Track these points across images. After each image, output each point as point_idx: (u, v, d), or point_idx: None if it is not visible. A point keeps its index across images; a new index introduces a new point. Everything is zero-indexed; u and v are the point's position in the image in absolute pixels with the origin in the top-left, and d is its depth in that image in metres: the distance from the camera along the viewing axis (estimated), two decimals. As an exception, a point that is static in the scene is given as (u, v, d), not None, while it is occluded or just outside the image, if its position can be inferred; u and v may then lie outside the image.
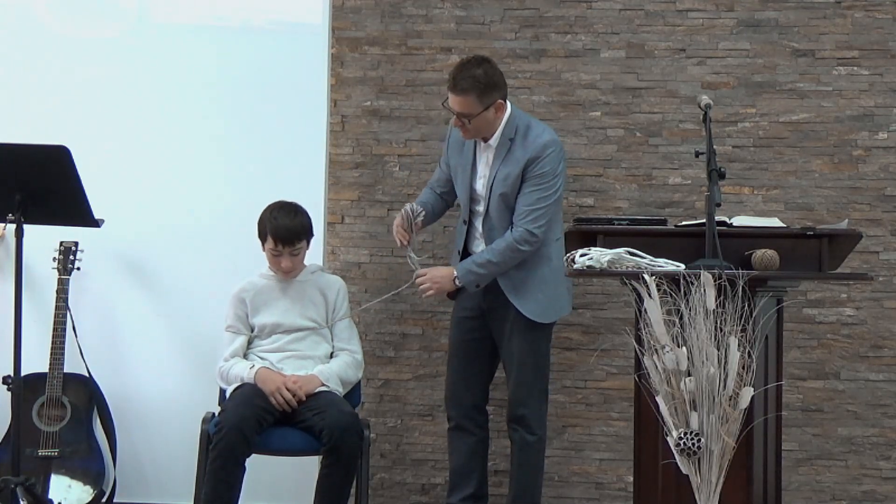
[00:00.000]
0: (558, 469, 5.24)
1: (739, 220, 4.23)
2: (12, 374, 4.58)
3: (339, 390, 4.75)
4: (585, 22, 5.27)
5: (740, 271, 3.84)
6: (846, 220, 4.60)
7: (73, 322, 5.05)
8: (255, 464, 4.59)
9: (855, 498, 5.15)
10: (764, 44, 5.21)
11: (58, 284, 5.06)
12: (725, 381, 3.83)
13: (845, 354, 5.16)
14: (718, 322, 3.81)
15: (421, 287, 4.73)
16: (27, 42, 5.31)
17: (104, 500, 5.01)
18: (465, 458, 4.83)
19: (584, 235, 4.22)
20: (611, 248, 4.02)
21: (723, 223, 4.11)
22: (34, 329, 5.06)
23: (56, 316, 5.03)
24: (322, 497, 4.64)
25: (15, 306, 4.57)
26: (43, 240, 4.94)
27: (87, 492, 4.98)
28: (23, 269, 4.62)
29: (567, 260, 4.06)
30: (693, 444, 3.82)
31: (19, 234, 4.57)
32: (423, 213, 4.75)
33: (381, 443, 5.32)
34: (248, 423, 4.52)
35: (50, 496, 4.91)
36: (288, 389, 4.63)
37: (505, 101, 4.66)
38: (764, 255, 3.99)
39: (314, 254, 5.00)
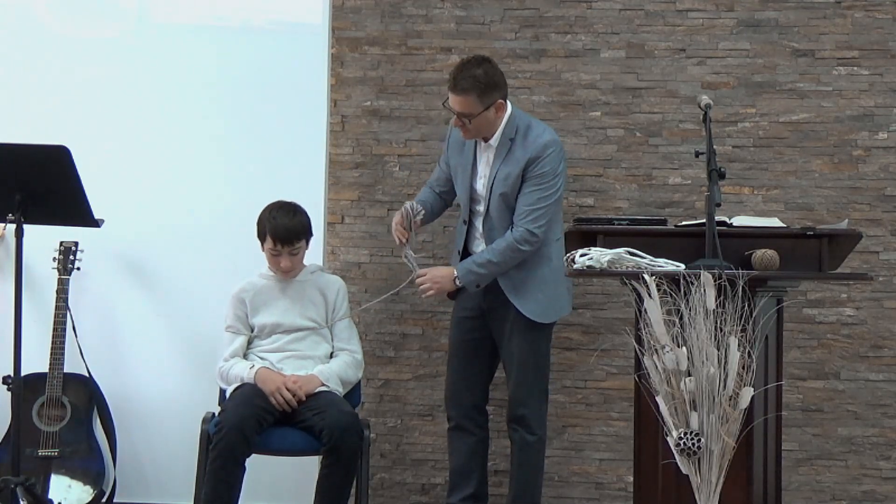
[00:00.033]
0: (558, 469, 5.24)
1: (739, 220, 4.23)
2: (12, 374, 4.58)
3: (339, 390, 4.75)
4: (585, 22, 5.27)
5: (740, 271, 3.84)
6: (846, 220, 4.60)
7: (73, 322, 5.05)
8: (255, 464, 4.59)
9: (855, 498, 5.15)
10: (764, 44, 5.21)
11: (58, 284, 5.06)
12: (725, 381, 3.83)
13: (845, 354, 5.16)
14: (718, 322, 3.81)
15: (421, 287, 4.73)
16: (27, 42, 5.31)
17: (104, 500, 5.01)
18: (465, 458, 4.83)
19: (584, 235, 4.22)
20: (611, 248, 4.02)
21: (723, 223, 4.11)
22: (34, 329, 5.06)
23: (56, 316, 5.03)
24: (322, 497, 4.64)
25: (15, 306, 4.58)
26: (43, 240, 4.94)
27: (87, 492, 4.98)
28: (23, 269, 4.62)
29: (567, 260, 4.06)
30: (693, 444, 3.82)
31: (19, 234, 4.57)
32: (423, 211, 4.75)
33: (381, 443, 5.32)
34: (248, 423, 4.52)
35: (50, 496, 4.91)
36: (288, 389, 4.63)
37: (505, 101, 4.66)
38: (764, 255, 3.99)
39: (314, 254, 5.00)
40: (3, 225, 5.09)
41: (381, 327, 5.34)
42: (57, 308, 5.03)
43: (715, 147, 4.11)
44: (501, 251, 4.63)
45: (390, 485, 5.34)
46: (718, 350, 3.82)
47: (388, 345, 5.34)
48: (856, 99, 5.17)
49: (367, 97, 5.35)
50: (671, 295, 3.84)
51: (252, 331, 4.85)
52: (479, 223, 4.75)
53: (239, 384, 4.71)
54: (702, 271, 3.83)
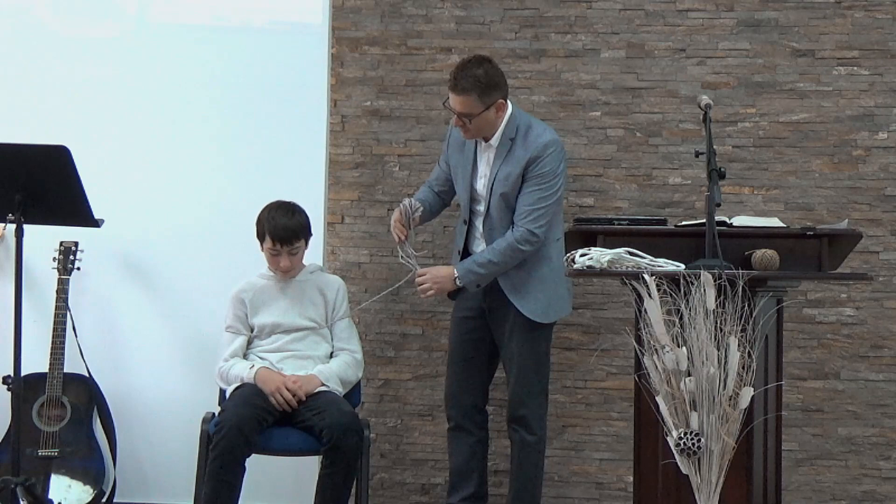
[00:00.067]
0: (558, 469, 5.24)
1: (739, 220, 4.23)
2: (12, 374, 4.58)
3: (339, 390, 4.75)
4: (585, 22, 5.27)
5: (740, 271, 3.84)
6: (846, 220, 4.60)
7: (73, 322, 5.05)
8: (255, 464, 4.59)
9: (855, 498, 5.15)
10: (764, 44, 5.21)
11: (58, 284, 5.06)
12: (725, 381, 3.83)
13: (845, 354, 5.16)
14: (718, 322, 3.81)
15: (421, 287, 4.73)
16: (27, 42, 5.31)
17: (104, 500, 5.01)
18: (465, 458, 4.83)
19: (584, 235, 4.22)
20: (611, 248, 4.02)
21: (723, 223, 4.11)
22: (34, 329, 5.06)
23: (56, 316, 5.03)
24: (322, 497, 4.64)
25: (15, 306, 4.58)
26: (43, 240, 4.94)
27: (87, 492, 4.98)
28: (23, 269, 4.62)
29: (567, 260, 4.06)
30: (693, 444, 3.82)
31: (19, 234, 4.57)
32: (421, 208, 4.75)
33: (381, 443, 5.32)
34: (248, 423, 4.52)
35: (50, 496, 4.91)
36: (288, 389, 4.63)
37: (506, 101, 4.66)
38: (764, 255, 3.99)
39: (314, 254, 5.01)
40: (3, 225, 5.09)
41: (381, 327, 5.34)
42: (57, 308, 5.03)
43: (715, 147, 4.11)
44: (502, 251, 4.62)
45: (390, 485, 5.34)
46: (718, 350, 3.82)
47: (388, 345, 5.34)
48: (856, 99, 5.17)
49: (367, 97, 5.35)
50: (671, 295, 3.84)
51: (252, 331, 4.85)
52: (479, 223, 4.75)
53: (239, 384, 4.71)
54: (702, 271, 3.83)
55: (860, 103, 5.17)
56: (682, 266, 3.96)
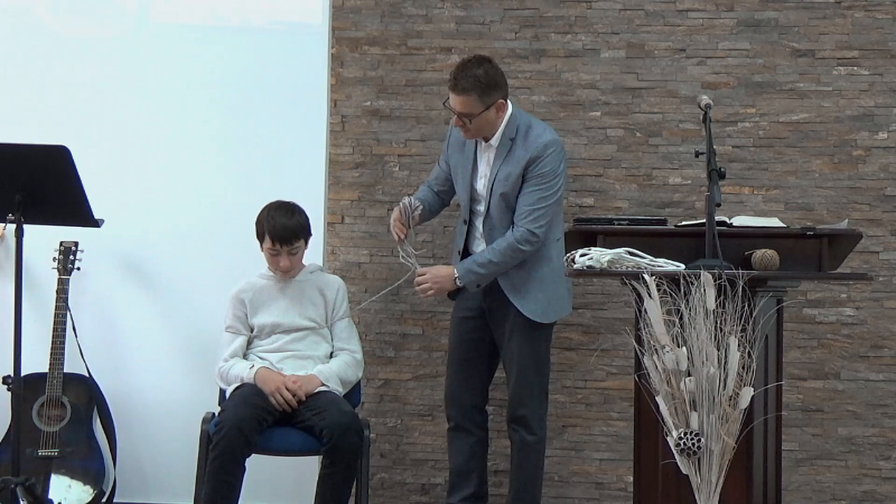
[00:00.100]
0: (558, 469, 5.24)
1: (739, 220, 4.23)
2: (12, 374, 4.58)
3: (339, 390, 4.75)
4: (585, 22, 5.27)
5: (740, 271, 3.84)
6: (846, 220, 4.60)
7: (73, 322, 5.05)
8: (255, 464, 4.59)
9: (855, 498, 5.15)
10: (764, 44, 5.21)
11: (58, 284, 5.06)
12: (725, 381, 3.83)
13: (845, 354, 5.16)
14: (718, 322, 3.81)
15: (421, 287, 4.73)
16: (27, 42, 5.31)
17: (104, 500, 5.01)
18: (465, 458, 4.83)
19: (584, 235, 4.22)
20: (611, 248, 4.02)
21: (723, 223, 4.11)
22: (34, 329, 5.06)
23: (56, 316, 5.03)
24: (322, 497, 4.64)
25: (15, 306, 4.58)
26: (43, 240, 4.94)
27: (87, 492, 4.98)
28: (23, 269, 4.62)
29: (567, 260, 4.06)
30: (693, 444, 3.82)
31: (19, 234, 4.57)
32: (421, 207, 4.75)
33: (381, 443, 5.32)
34: (248, 423, 4.52)
35: (50, 496, 4.91)
36: (288, 389, 4.63)
37: (506, 101, 4.66)
38: (764, 255, 3.99)
39: (314, 254, 5.01)
40: (3, 225, 5.09)
41: (381, 327, 5.34)
42: (57, 308, 5.03)
43: (715, 147, 4.11)
44: (502, 251, 4.62)
45: (390, 485, 5.34)
46: (718, 350, 3.82)
47: (388, 345, 5.34)
48: (856, 99, 5.17)
49: (367, 97, 5.35)
50: (671, 295, 3.84)
51: (252, 331, 4.85)
52: (479, 223, 4.75)
53: (239, 384, 4.71)
54: (702, 271, 3.83)
55: (860, 103, 5.17)
56: (682, 266, 3.96)
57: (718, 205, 3.98)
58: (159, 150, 5.26)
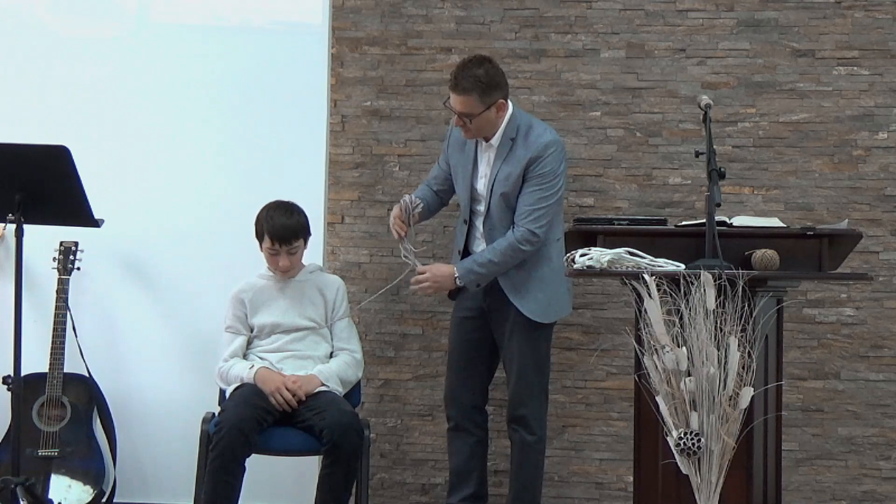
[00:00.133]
0: (558, 469, 5.24)
1: (739, 220, 4.23)
2: (12, 374, 4.58)
3: (339, 390, 4.75)
4: (585, 22, 5.27)
5: (740, 271, 3.84)
6: (846, 220, 4.60)
7: (73, 322, 5.05)
8: (255, 464, 4.59)
9: (855, 498, 5.15)
10: (764, 44, 5.21)
11: (58, 284, 5.06)
12: (725, 381, 3.83)
13: (845, 354, 5.16)
14: (718, 322, 3.81)
15: (421, 286, 4.72)
16: (27, 42, 5.31)
17: (104, 500, 5.01)
18: (465, 458, 4.83)
19: (584, 235, 4.22)
20: (611, 248, 4.02)
21: (723, 223, 4.11)
22: (34, 329, 5.06)
23: (56, 316, 5.03)
24: (322, 497, 4.64)
25: (15, 306, 4.58)
26: (43, 240, 4.94)
27: (87, 492, 4.98)
28: (23, 269, 4.62)
29: (567, 260, 4.06)
30: (693, 444, 3.82)
31: (19, 234, 4.57)
32: (422, 204, 4.74)
33: (381, 443, 5.32)
34: (248, 423, 4.52)
35: (50, 496, 4.91)
36: (288, 389, 4.63)
37: (506, 101, 4.66)
38: (764, 255, 3.99)
39: (314, 254, 5.01)
40: (3, 225, 5.09)
41: (381, 327, 5.34)
42: (57, 308, 5.03)
43: (715, 147, 4.11)
44: (502, 251, 4.62)
45: (390, 485, 5.34)
46: (718, 350, 3.82)
47: (388, 345, 5.34)
48: (856, 99, 5.17)
49: (367, 97, 5.35)
50: (671, 295, 3.84)
51: (251, 331, 4.85)
52: (479, 223, 4.75)
53: (239, 384, 4.71)
54: (702, 271, 3.83)
55: (860, 103, 5.17)
56: (682, 266, 3.96)
57: (718, 205, 3.98)
58: (159, 150, 5.26)
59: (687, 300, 3.82)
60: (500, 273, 4.66)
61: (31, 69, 5.29)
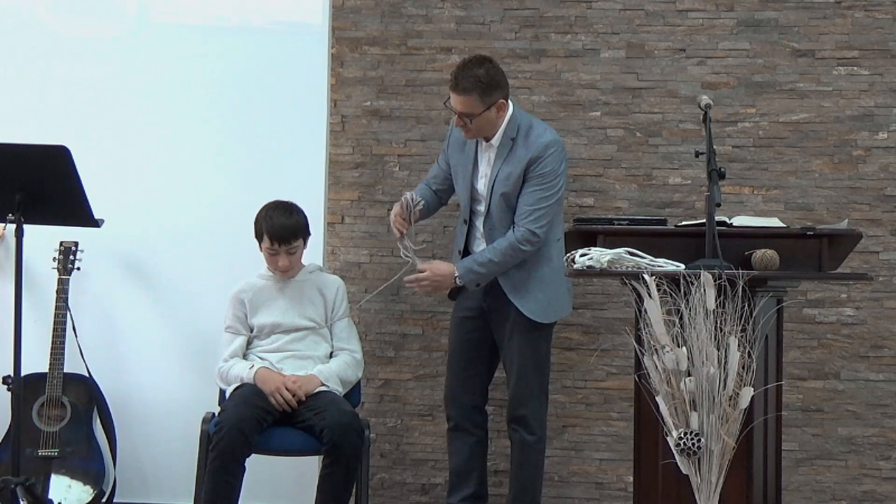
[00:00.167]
0: (558, 469, 5.24)
1: (739, 220, 4.23)
2: (12, 374, 4.58)
3: (339, 390, 4.75)
4: (585, 22, 5.27)
5: (740, 271, 3.84)
6: (846, 220, 4.60)
7: (73, 322, 5.05)
8: (255, 464, 4.59)
9: (855, 498, 5.15)
10: (764, 44, 5.21)
11: (58, 284, 5.06)
12: (725, 381, 3.83)
13: (845, 354, 5.16)
14: (718, 322, 3.81)
15: (420, 284, 4.72)
16: (27, 42, 5.31)
17: (104, 500, 5.01)
18: (465, 458, 4.83)
19: (584, 235, 4.22)
20: (611, 248, 4.02)
21: (723, 223, 4.11)
22: (34, 329, 5.06)
23: (56, 316, 5.02)
24: (323, 497, 4.63)
25: (15, 306, 4.58)
26: (43, 240, 4.94)
27: (87, 492, 4.97)
28: (23, 269, 4.62)
29: (567, 260, 4.06)
30: (693, 444, 3.82)
31: (19, 234, 4.57)
32: (423, 202, 4.74)
33: (381, 443, 5.32)
34: (248, 423, 4.52)
35: (50, 496, 4.91)
36: (288, 389, 4.63)
37: (507, 101, 4.66)
38: (764, 255, 3.99)
39: (314, 254, 5.01)
40: (3, 225, 5.09)
41: (381, 327, 5.34)
42: (57, 308, 5.03)
43: (715, 147, 4.11)
44: (503, 251, 4.62)
45: (390, 485, 5.34)
46: (718, 350, 3.82)
47: (388, 345, 5.34)
48: (856, 99, 5.17)
49: (367, 97, 5.35)
50: (671, 295, 3.84)
51: (251, 331, 4.85)
52: (479, 223, 4.75)
53: (239, 384, 4.71)
54: (702, 271, 3.83)
55: (860, 103, 5.17)
56: (682, 266, 3.96)
57: (718, 205, 3.98)
58: (159, 150, 5.26)
59: (687, 300, 3.82)
60: (500, 273, 4.66)
61: (31, 69, 5.29)
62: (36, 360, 4.97)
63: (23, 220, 4.56)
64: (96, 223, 4.77)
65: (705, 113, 4.17)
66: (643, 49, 5.25)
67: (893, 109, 5.16)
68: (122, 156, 5.25)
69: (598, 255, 3.99)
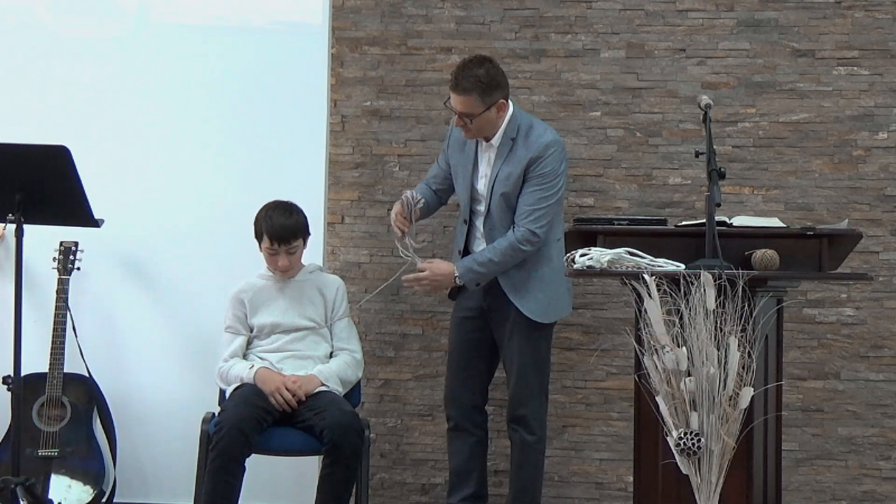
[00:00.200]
0: (558, 469, 5.24)
1: (739, 220, 4.23)
2: (12, 374, 4.58)
3: (339, 390, 4.75)
4: (585, 22, 5.27)
5: (740, 271, 3.84)
6: (846, 220, 4.60)
7: (73, 322, 5.04)
8: (255, 464, 4.59)
9: (855, 498, 5.15)
10: (764, 44, 5.21)
11: (58, 284, 5.06)
12: (725, 381, 3.83)
13: (845, 354, 5.16)
14: (718, 322, 3.81)
15: (420, 283, 4.72)
16: (27, 42, 5.31)
17: (104, 500, 5.01)
18: (465, 458, 4.83)
19: (584, 235, 4.22)
20: (611, 248, 4.02)
21: (723, 223, 4.11)
22: (34, 329, 5.06)
23: (56, 316, 5.02)
24: (323, 497, 4.63)
25: (15, 306, 4.58)
26: (43, 240, 4.94)
27: (87, 492, 4.97)
28: (23, 269, 4.62)
29: (567, 260, 4.06)
30: (693, 444, 3.82)
31: (19, 234, 4.57)
32: (423, 200, 4.74)
33: (381, 443, 5.32)
34: (248, 423, 4.52)
35: (50, 496, 4.91)
36: (288, 389, 4.63)
37: (507, 101, 4.66)
38: (764, 255, 3.99)
39: (314, 254, 5.01)
40: (3, 225, 5.09)
41: (381, 327, 5.34)
42: (57, 308, 5.03)
43: (715, 147, 4.11)
44: (503, 251, 4.62)
45: (390, 485, 5.34)
46: (718, 350, 3.82)
47: (388, 345, 5.34)
48: (856, 99, 5.17)
49: (367, 97, 5.35)
50: (671, 295, 3.84)
51: (251, 331, 4.85)
52: (479, 223, 4.75)
53: (239, 384, 4.71)
54: (702, 271, 3.83)
55: (860, 103, 5.17)
56: (682, 266, 3.96)
57: (718, 205, 3.98)
58: (159, 150, 5.26)
59: (687, 300, 3.82)
60: (500, 272, 4.66)
61: (31, 69, 5.29)
62: (36, 360, 4.97)
63: (23, 220, 4.56)
64: (96, 223, 4.77)
65: (705, 113, 4.17)
66: (643, 49, 5.25)
67: (893, 109, 5.16)
68: (122, 156, 5.25)
69: (598, 255, 3.99)
